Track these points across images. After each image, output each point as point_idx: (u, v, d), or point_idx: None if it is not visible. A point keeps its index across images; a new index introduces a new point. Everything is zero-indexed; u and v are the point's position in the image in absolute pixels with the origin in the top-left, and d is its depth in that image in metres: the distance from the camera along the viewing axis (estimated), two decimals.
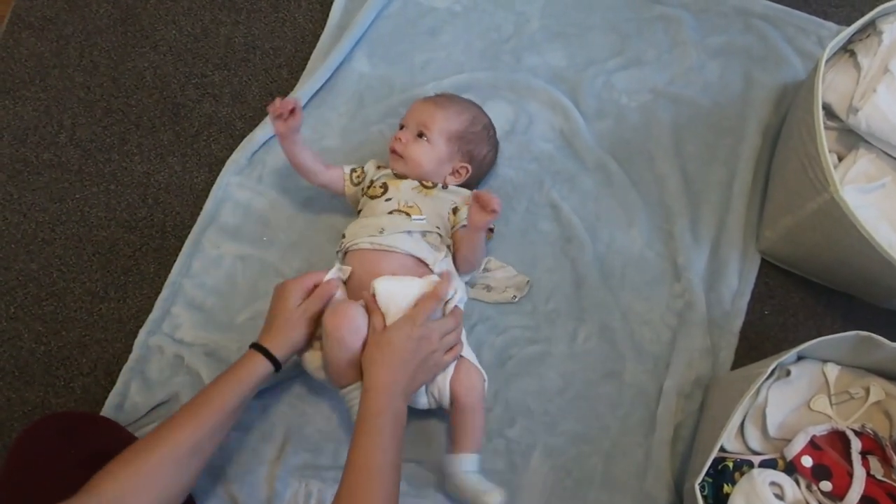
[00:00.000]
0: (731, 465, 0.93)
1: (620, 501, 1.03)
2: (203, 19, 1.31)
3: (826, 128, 1.01)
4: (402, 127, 1.10)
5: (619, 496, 1.03)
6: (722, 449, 0.95)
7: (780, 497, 0.89)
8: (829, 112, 1.07)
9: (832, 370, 0.98)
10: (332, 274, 1.00)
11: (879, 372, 0.99)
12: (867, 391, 0.97)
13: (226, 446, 1.04)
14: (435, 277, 0.99)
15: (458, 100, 1.13)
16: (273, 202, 1.18)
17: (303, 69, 1.27)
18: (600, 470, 1.04)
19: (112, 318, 1.13)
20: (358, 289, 0.99)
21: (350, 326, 0.93)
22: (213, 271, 1.14)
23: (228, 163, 1.20)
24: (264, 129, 1.21)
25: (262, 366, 0.92)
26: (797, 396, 0.97)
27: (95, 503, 0.75)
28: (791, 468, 0.91)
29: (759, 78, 1.26)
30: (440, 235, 1.04)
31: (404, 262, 1.00)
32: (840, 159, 1.08)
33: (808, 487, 0.90)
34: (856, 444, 0.90)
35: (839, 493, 0.88)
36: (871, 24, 1.09)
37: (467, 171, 1.09)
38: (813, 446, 0.91)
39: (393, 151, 1.08)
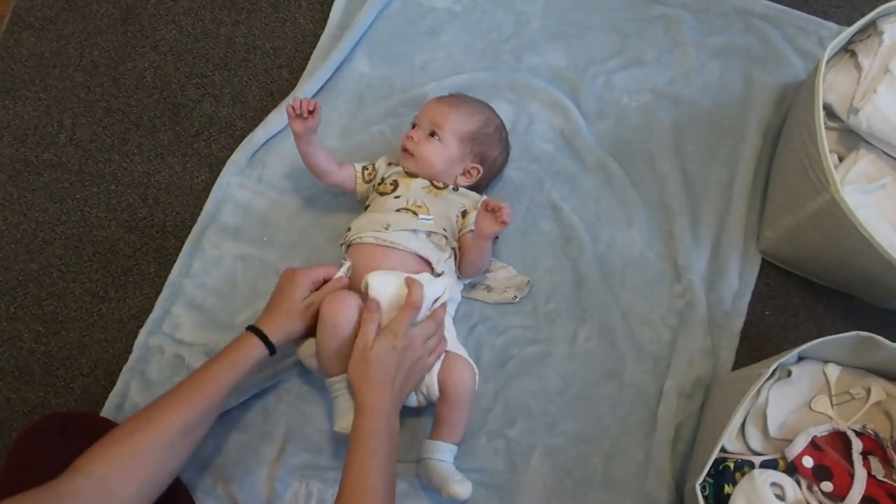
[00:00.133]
0: (731, 465, 0.93)
1: (621, 502, 1.03)
2: (203, 19, 1.31)
3: (827, 128, 1.01)
4: (414, 125, 1.10)
5: (619, 496, 1.03)
6: (723, 449, 0.95)
7: (781, 497, 0.89)
8: (830, 112, 1.07)
9: (833, 371, 0.98)
10: (342, 272, 1.00)
11: (880, 372, 0.99)
12: (868, 392, 0.97)
13: (226, 446, 1.04)
14: (427, 275, 0.99)
15: (472, 101, 1.12)
16: (273, 202, 1.18)
17: (303, 69, 1.27)
18: (600, 470, 1.04)
19: (112, 319, 1.13)
20: (357, 282, 0.99)
21: (347, 315, 0.94)
22: (214, 271, 1.14)
23: (229, 163, 1.20)
24: (265, 130, 1.21)
25: (257, 349, 0.92)
26: (798, 397, 0.97)
27: (83, 483, 0.73)
28: (792, 469, 0.91)
29: (759, 78, 1.26)
30: (446, 237, 1.03)
31: (406, 259, 1.00)
32: (840, 160, 1.08)
33: (809, 488, 0.90)
34: (857, 445, 0.90)
35: (840, 494, 0.88)
36: (872, 24, 1.09)
37: (478, 172, 1.09)
38: (814, 447, 0.91)
39: (404, 149, 1.08)
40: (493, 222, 0.97)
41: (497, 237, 1.12)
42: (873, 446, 0.92)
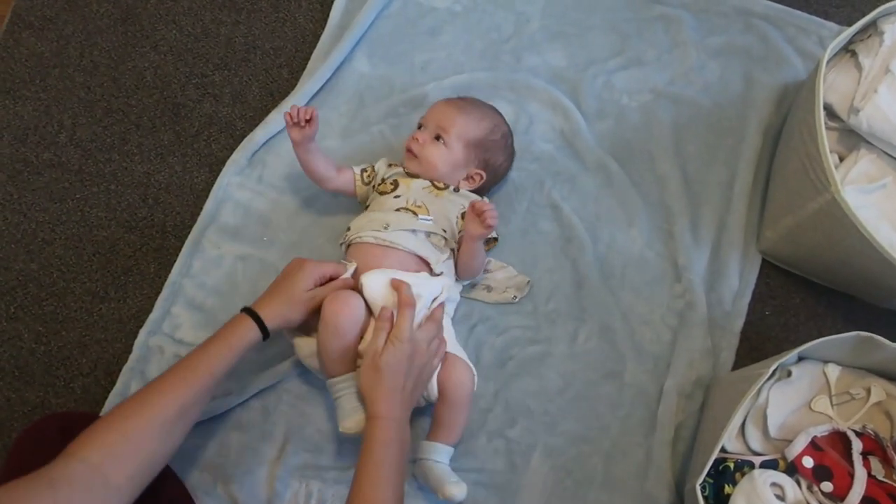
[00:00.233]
0: (731, 465, 0.93)
1: (621, 502, 1.03)
2: (203, 19, 1.31)
3: (827, 128, 1.01)
4: (420, 126, 1.10)
5: (619, 496, 1.03)
6: (723, 449, 0.95)
7: (781, 498, 0.89)
8: (831, 112, 1.07)
9: (833, 371, 0.98)
10: (349, 273, 1.00)
11: (880, 372, 0.99)
12: (868, 392, 0.97)
13: (226, 446, 1.04)
14: (424, 275, 0.99)
15: (481, 105, 1.12)
16: (273, 202, 1.18)
17: (303, 69, 1.27)
18: (601, 470, 1.04)
19: (112, 318, 1.13)
20: (356, 281, 0.99)
21: (349, 315, 0.94)
22: (214, 271, 1.14)
23: (229, 163, 1.20)
24: (264, 129, 1.21)
25: (252, 332, 0.91)
26: (798, 397, 0.97)
27: (76, 469, 0.73)
28: (792, 469, 0.91)
29: (759, 78, 1.26)
30: (445, 238, 1.03)
31: (405, 259, 1.00)
32: (841, 160, 1.08)
33: (809, 488, 0.90)
34: (857, 445, 0.90)
35: (840, 494, 0.88)
36: (873, 24, 1.08)
37: (481, 178, 1.09)
38: (814, 447, 0.91)
39: (409, 150, 1.07)
40: (479, 225, 0.97)
41: (495, 239, 1.11)
42: (873, 446, 0.92)
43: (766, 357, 1.01)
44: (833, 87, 1.07)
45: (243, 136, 1.22)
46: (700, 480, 0.88)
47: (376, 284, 0.96)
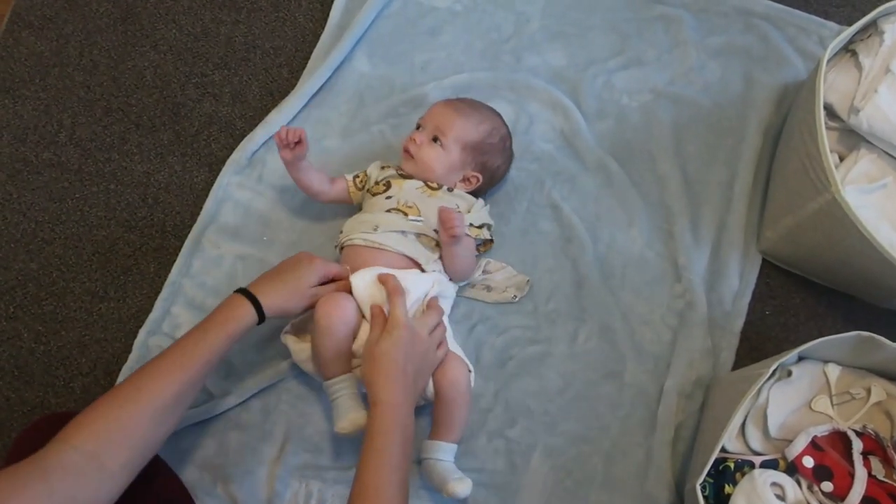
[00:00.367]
0: (732, 465, 0.93)
1: (621, 502, 1.03)
2: (203, 18, 1.31)
3: (827, 128, 1.01)
4: (418, 126, 1.09)
5: (619, 496, 1.03)
6: (723, 449, 0.95)
7: (782, 497, 0.89)
8: (831, 112, 1.07)
9: (833, 370, 0.98)
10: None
11: (881, 372, 0.99)
12: (868, 392, 0.96)
13: (226, 446, 1.04)
14: (414, 272, 0.99)
15: (480, 107, 1.11)
16: (273, 202, 1.18)
17: (303, 69, 1.27)
18: (601, 470, 1.04)
19: (112, 318, 1.13)
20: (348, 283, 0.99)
21: (341, 316, 0.94)
22: (214, 271, 1.14)
23: (228, 162, 1.20)
24: (264, 129, 1.21)
25: (250, 318, 0.90)
26: (798, 397, 0.97)
27: (71, 456, 0.72)
28: (792, 469, 0.91)
29: (759, 78, 1.26)
30: (436, 238, 1.03)
31: (395, 260, 1.00)
32: (841, 159, 1.08)
33: (810, 488, 0.90)
34: (857, 445, 0.90)
35: (840, 494, 0.88)
36: (873, 23, 1.08)
37: (478, 181, 1.09)
38: (814, 447, 0.91)
39: (406, 151, 1.07)
40: (445, 232, 0.97)
41: (490, 241, 1.11)
42: (874, 446, 0.92)
43: (767, 357, 1.00)
44: (833, 86, 1.07)
45: (243, 136, 1.22)
46: (700, 480, 0.88)
47: (363, 284, 0.97)
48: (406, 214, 1.02)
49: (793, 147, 1.06)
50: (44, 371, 1.10)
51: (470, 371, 1.00)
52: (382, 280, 0.95)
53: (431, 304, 0.98)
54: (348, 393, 0.95)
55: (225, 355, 0.89)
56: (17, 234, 1.17)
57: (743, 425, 0.96)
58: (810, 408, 0.96)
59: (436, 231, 1.03)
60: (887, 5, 1.06)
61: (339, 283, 0.99)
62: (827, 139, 0.95)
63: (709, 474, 0.91)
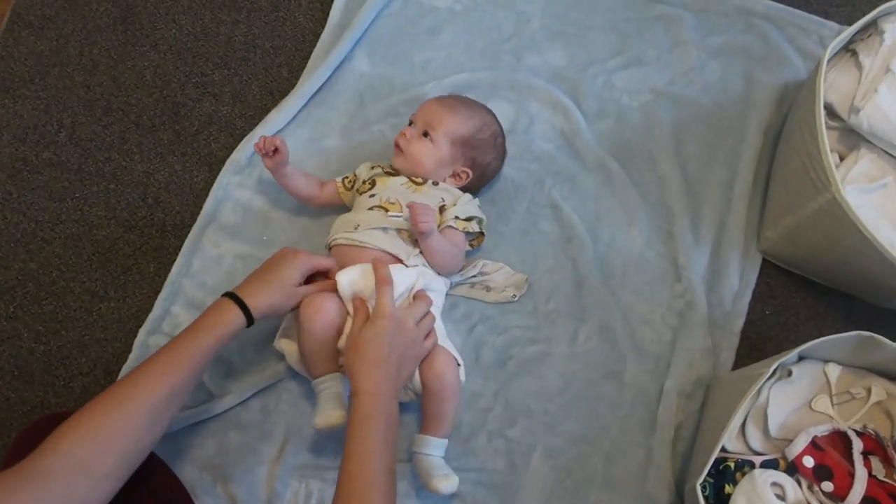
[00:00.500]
0: (732, 465, 0.93)
1: (621, 502, 1.03)
2: (203, 18, 1.31)
3: (827, 127, 1.01)
4: (410, 123, 1.10)
5: (619, 496, 1.03)
6: (723, 449, 0.95)
7: (782, 497, 0.89)
8: (831, 112, 1.07)
9: (833, 370, 0.98)
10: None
11: (881, 372, 0.99)
12: (868, 391, 0.96)
13: (226, 446, 1.04)
14: (399, 266, 0.99)
15: (471, 104, 1.12)
16: (273, 201, 1.18)
17: (303, 68, 1.27)
18: (601, 470, 1.04)
19: (112, 318, 1.13)
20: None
21: (323, 319, 0.94)
22: (214, 270, 1.14)
23: (228, 162, 1.19)
24: (264, 129, 1.21)
25: (238, 321, 0.90)
26: (798, 397, 0.97)
27: (59, 462, 0.72)
28: (792, 468, 0.91)
29: (760, 78, 1.26)
30: None
31: (377, 257, 1.00)
32: (841, 159, 1.08)
33: (810, 488, 0.90)
34: (857, 445, 0.90)
35: (841, 494, 0.87)
36: (873, 23, 1.08)
37: (468, 176, 1.09)
38: (814, 447, 0.91)
39: (396, 146, 1.08)
40: (413, 228, 0.98)
41: (482, 234, 1.10)
42: (874, 446, 0.92)
43: (767, 357, 1.00)
44: (833, 86, 1.07)
45: (243, 136, 1.22)
46: (700, 480, 0.88)
47: (348, 281, 0.97)
48: (387, 211, 1.03)
49: (793, 147, 1.06)
50: (44, 371, 1.10)
51: (459, 365, 1.00)
52: (375, 267, 0.96)
53: (419, 295, 0.98)
54: (331, 392, 0.96)
55: (213, 359, 0.89)
56: (17, 233, 1.17)
57: (743, 425, 0.96)
58: (810, 407, 0.96)
59: None
60: (887, 5, 1.06)
61: (324, 283, 0.99)
62: (827, 139, 0.95)
63: (709, 474, 0.91)
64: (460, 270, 1.10)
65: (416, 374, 0.97)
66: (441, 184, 1.08)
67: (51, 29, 1.30)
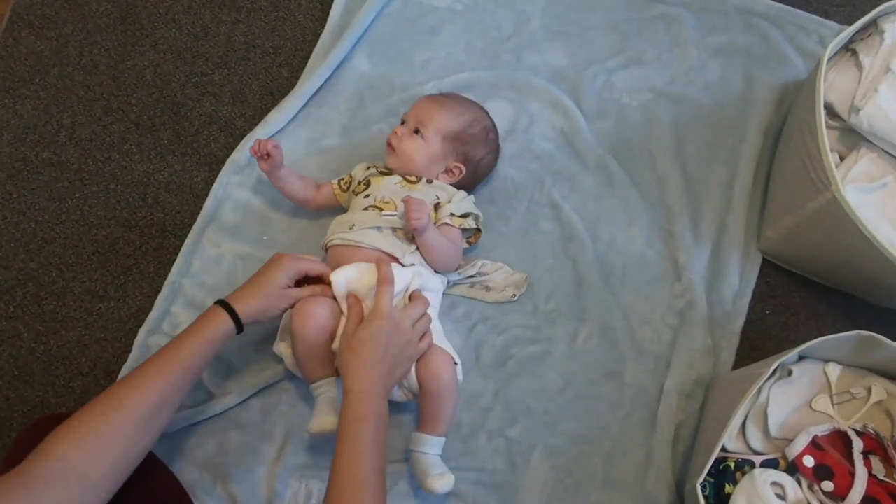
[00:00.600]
0: (732, 464, 0.93)
1: (621, 501, 1.03)
2: (203, 18, 1.31)
3: (827, 127, 1.01)
4: (404, 121, 1.10)
5: (619, 496, 1.03)
6: (723, 449, 0.95)
7: (782, 497, 0.89)
8: (831, 111, 1.07)
9: (834, 370, 0.98)
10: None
11: (881, 372, 0.99)
12: (869, 391, 0.96)
13: (225, 446, 1.04)
14: (395, 265, 0.99)
15: (462, 101, 1.12)
16: (273, 201, 1.18)
17: (303, 68, 1.27)
18: (601, 470, 1.04)
19: (112, 318, 1.13)
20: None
21: (314, 325, 0.95)
22: (214, 270, 1.14)
23: (228, 162, 1.19)
24: (264, 128, 1.21)
25: (225, 325, 0.90)
26: (798, 396, 0.97)
27: (53, 467, 0.72)
28: (793, 468, 0.91)
29: (760, 77, 1.26)
30: None
31: (372, 257, 1.00)
32: (841, 159, 1.08)
33: (810, 487, 0.90)
34: (857, 444, 0.90)
35: (841, 494, 0.87)
36: (873, 23, 1.08)
37: (460, 172, 1.09)
38: (814, 446, 0.91)
39: (388, 144, 1.09)
40: (408, 223, 0.98)
41: (479, 231, 1.10)
42: (874, 446, 0.92)
43: (767, 356, 1.00)
44: (833, 86, 1.07)
45: (243, 135, 1.22)
46: (700, 480, 0.88)
47: (342, 279, 0.97)
48: (381, 210, 1.03)
49: (793, 146, 1.06)
50: (44, 371, 1.10)
51: (456, 364, 1.00)
52: (378, 265, 0.96)
53: (416, 296, 0.98)
54: (326, 397, 0.97)
55: (206, 363, 0.89)
56: (17, 233, 1.17)
57: (743, 425, 0.96)
58: (811, 407, 0.96)
59: None
60: (887, 4, 1.06)
61: (315, 287, 0.99)
62: (827, 138, 0.95)
63: (709, 474, 0.91)
64: (459, 270, 1.10)
65: (413, 374, 0.96)
66: (435, 181, 1.08)
67: (51, 29, 1.30)
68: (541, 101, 1.24)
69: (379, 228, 1.02)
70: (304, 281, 1.00)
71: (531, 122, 1.23)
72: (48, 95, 1.26)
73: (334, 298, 0.99)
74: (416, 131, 1.07)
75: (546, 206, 1.18)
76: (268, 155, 1.04)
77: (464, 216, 1.06)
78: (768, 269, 1.16)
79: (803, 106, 1.05)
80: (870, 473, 0.89)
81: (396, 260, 1.01)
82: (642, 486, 1.03)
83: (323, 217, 1.17)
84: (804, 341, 0.93)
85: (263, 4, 1.32)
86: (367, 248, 1.00)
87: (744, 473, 0.91)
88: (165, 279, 1.13)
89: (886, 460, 0.90)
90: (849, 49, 1.11)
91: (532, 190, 1.18)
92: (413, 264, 1.01)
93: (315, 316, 0.95)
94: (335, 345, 0.96)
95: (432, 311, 1.01)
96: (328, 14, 1.30)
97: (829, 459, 0.90)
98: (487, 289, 1.12)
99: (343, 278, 0.97)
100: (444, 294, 1.08)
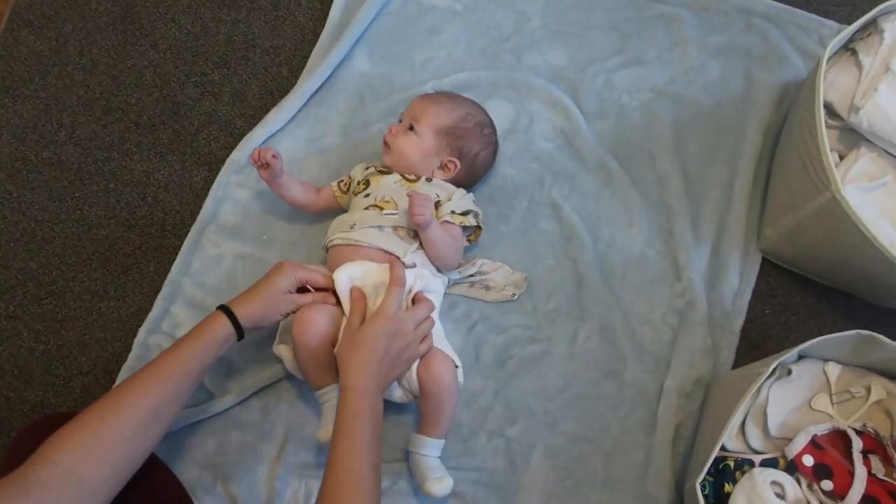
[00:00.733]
0: (732, 464, 0.93)
1: (621, 501, 1.03)
2: (203, 17, 1.31)
3: (827, 126, 1.01)
4: (400, 120, 1.11)
5: (619, 496, 1.03)
6: (723, 448, 0.95)
7: (781, 496, 0.89)
8: (831, 111, 1.07)
9: (833, 369, 0.98)
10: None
11: (881, 371, 0.99)
12: (868, 390, 0.96)
13: (225, 445, 1.04)
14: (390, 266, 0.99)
15: (456, 97, 1.13)
16: (273, 201, 1.18)
17: (303, 67, 1.27)
18: (601, 470, 1.04)
19: (111, 317, 1.13)
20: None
21: (314, 332, 0.95)
22: (213, 270, 1.14)
23: (228, 161, 1.19)
24: (264, 128, 1.21)
25: (225, 329, 0.90)
26: (798, 395, 0.97)
27: (51, 472, 0.72)
28: (792, 467, 0.91)
29: (760, 77, 1.26)
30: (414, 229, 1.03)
31: (373, 256, 1.00)
32: (841, 158, 1.08)
33: (810, 486, 0.90)
34: (857, 444, 0.90)
35: (840, 493, 0.87)
36: (873, 22, 1.08)
37: (456, 167, 1.09)
38: (814, 445, 0.91)
39: (384, 143, 1.09)
40: (411, 219, 0.98)
41: (479, 228, 1.10)
42: (874, 445, 0.92)
43: (767, 356, 1.00)
44: (833, 85, 1.07)
45: (243, 135, 1.22)
46: (700, 479, 0.88)
47: (345, 277, 0.97)
48: (381, 209, 1.03)
49: (793, 146, 1.06)
50: (43, 370, 1.10)
51: (457, 366, 1.00)
52: (392, 265, 0.95)
53: (420, 298, 0.98)
54: (332, 404, 0.97)
55: (205, 369, 0.89)
56: (17, 232, 1.17)
57: (743, 424, 0.96)
58: (810, 406, 0.96)
59: None
60: (887, 4, 1.06)
61: (316, 294, 0.99)
62: (827, 138, 0.95)
63: (709, 473, 0.91)
64: (459, 268, 1.10)
65: (414, 375, 0.96)
66: (435, 180, 1.08)
67: (50, 28, 1.30)
68: (541, 100, 1.24)
69: (380, 227, 1.02)
70: (305, 290, 1.00)
71: (531, 121, 1.23)
72: (48, 95, 1.26)
73: (336, 303, 0.98)
74: (411, 128, 1.08)
75: (546, 206, 1.18)
76: (267, 164, 1.04)
77: (464, 213, 1.06)
78: (768, 269, 1.16)
79: (803, 105, 1.05)
80: (869, 472, 0.89)
81: (398, 259, 1.01)
82: (642, 486, 1.03)
83: (323, 216, 1.16)
84: (804, 341, 0.93)
85: (263, 4, 1.32)
86: (369, 248, 1.00)
87: (743, 473, 0.91)
88: (165, 279, 1.13)
89: (886, 459, 0.90)
90: (848, 48, 1.11)
91: (532, 190, 1.18)
92: (414, 264, 1.01)
93: (314, 323, 0.95)
94: (337, 350, 0.96)
95: (433, 314, 1.01)
96: (328, 14, 1.30)
97: (829, 459, 0.90)
98: (487, 288, 1.12)
99: (346, 276, 0.97)
100: (444, 294, 1.08)
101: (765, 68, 1.27)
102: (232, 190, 1.18)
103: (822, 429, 0.92)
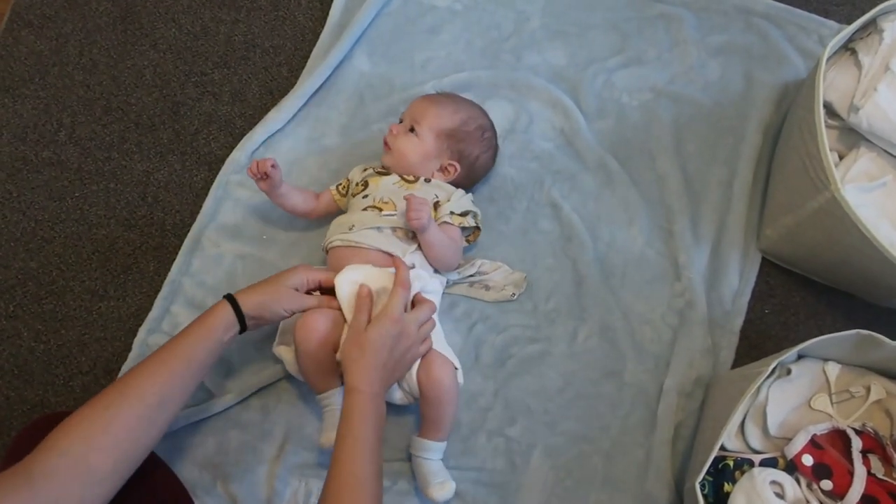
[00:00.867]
0: (731, 463, 0.93)
1: (621, 501, 1.03)
2: (203, 17, 1.31)
3: (827, 126, 1.01)
4: (401, 121, 1.11)
5: (619, 496, 1.03)
6: (722, 448, 0.95)
7: (781, 496, 0.89)
8: (830, 111, 1.07)
9: (833, 369, 0.98)
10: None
11: (880, 371, 0.99)
12: (868, 390, 0.97)
13: (225, 445, 1.04)
14: (392, 270, 0.99)
15: (458, 100, 1.13)
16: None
17: (303, 67, 1.27)
18: (601, 470, 1.04)
19: (111, 317, 1.13)
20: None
21: (316, 338, 0.95)
22: (213, 270, 1.14)
23: (228, 161, 1.20)
24: (264, 128, 1.21)
25: (227, 315, 0.90)
26: (798, 395, 0.97)
27: (57, 462, 0.72)
28: (792, 467, 0.91)
29: (759, 77, 1.26)
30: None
31: (373, 257, 1.00)
32: (841, 158, 1.08)
33: (809, 486, 0.90)
34: (856, 443, 0.90)
35: (840, 492, 0.87)
36: (873, 22, 1.08)
37: (455, 170, 1.09)
38: (814, 445, 0.91)
39: (385, 143, 1.09)
40: (408, 221, 0.98)
41: (477, 228, 1.10)
42: (873, 444, 0.92)
43: (766, 355, 1.00)
44: (833, 85, 1.07)
45: (243, 135, 1.22)
46: (699, 479, 0.88)
47: (345, 282, 0.97)
48: (380, 210, 1.03)
49: (792, 146, 1.06)
50: (43, 370, 1.11)
51: (457, 369, 1.00)
52: (398, 267, 0.95)
53: (421, 299, 0.98)
54: (334, 409, 0.97)
55: (209, 357, 0.89)
56: (17, 232, 1.17)
57: (742, 423, 0.96)
58: (810, 406, 0.97)
59: None
60: (887, 4, 1.06)
61: (322, 298, 0.99)
62: (827, 138, 0.95)
63: (708, 472, 0.91)
64: (458, 269, 1.10)
65: (414, 378, 0.97)
66: (433, 180, 1.08)
67: (50, 28, 1.30)
68: (541, 100, 1.24)
69: (379, 229, 1.02)
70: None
71: (531, 121, 1.23)
72: (48, 95, 1.26)
73: (339, 308, 0.98)
74: (412, 129, 1.07)
75: (546, 206, 1.18)
76: (266, 175, 1.04)
77: (463, 214, 1.06)
78: (768, 269, 1.16)
79: (803, 105, 1.05)
80: (869, 472, 0.89)
81: (402, 260, 1.01)
82: (642, 486, 1.03)
83: (324, 217, 1.16)
84: (803, 340, 0.93)
85: (263, 4, 1.32)
86: (368, 249, 1.00)
87: (743, 472, 0.92)
88: (165, 278, 1.13)
89: (885, 459, 0.90)
90: (848, 48, 1.11)
91: (532, 189, 1.19)
92: (413, 265, 1.01)
93: (316, 329, 0.95)
94: (339, 355, 0.96)
95: (433, 315, 1.01)
96: (328, 13, 1.30)
97: (828, 458, 0.90)
98: (487, 288, 1.12)
99: (347, 281, 0.97)
100: (443, 293, 1.08)
101: (765, 68, 1.27)
102: (232, 190, 1.19)
103: (821, 428, 0.92)
